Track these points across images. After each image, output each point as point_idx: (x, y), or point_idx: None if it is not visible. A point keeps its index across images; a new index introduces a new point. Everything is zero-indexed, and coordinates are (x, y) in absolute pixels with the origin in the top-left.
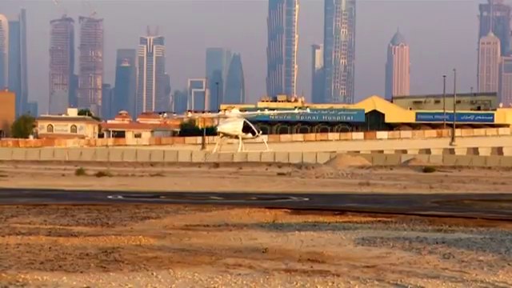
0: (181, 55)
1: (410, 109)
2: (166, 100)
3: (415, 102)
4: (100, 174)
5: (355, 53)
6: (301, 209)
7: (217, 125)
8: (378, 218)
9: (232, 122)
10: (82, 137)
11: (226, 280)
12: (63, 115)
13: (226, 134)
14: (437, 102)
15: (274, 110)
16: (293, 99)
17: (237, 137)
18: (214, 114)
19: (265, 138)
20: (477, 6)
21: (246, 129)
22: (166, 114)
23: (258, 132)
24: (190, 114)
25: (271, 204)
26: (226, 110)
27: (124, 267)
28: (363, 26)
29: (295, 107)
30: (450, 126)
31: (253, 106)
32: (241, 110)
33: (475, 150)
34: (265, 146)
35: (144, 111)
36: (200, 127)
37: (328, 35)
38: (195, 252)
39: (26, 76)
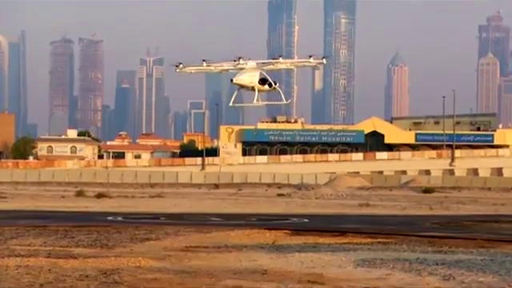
0: (180, 76)
1: (410, 129)
2: (165, 121)
3: (415, 123)
4: (100, 196)
5: (355, 74)
6: (301, 230)
7: (217, 144)
8: (378, 240)
9: (248, 72)
10: (82, 158)
11: None
12: (63, 136)
13: (241, 86)
14: (436, 122)
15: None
16: (292, 120)
17: (253, 88)
18: (229, 64)
19: (281, 90)
20: (476, 27)
21: (263, 81)
22: (181, 65)
23: (275, 84)
24: (204, 64)
25: (271, 225)
26: (240, 58)
27: None
28: (362, 47)
29: (310, 56)
30: (450, 146)
31: (252, 127)
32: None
33: (475, 171)
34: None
35: (144, 132)
36: (200, 148)
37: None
38: (195, 273)
39: (26, 97)
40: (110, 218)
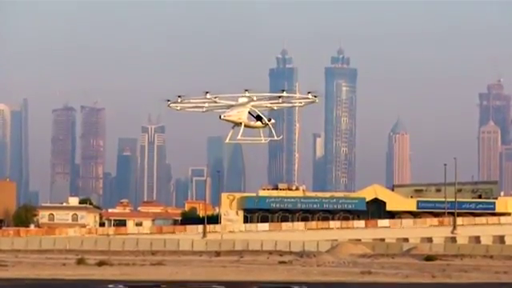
0: (182, 143)
1: (411, 197)
2: (167, 188)
3: (416, 191)
4: (101, 263)
5: (356, 141)
6: None
7: (218, 212)
8: None
9: (237, 109)
10: (83, 226)
11: None
12: (64, 204)
13: (232, 122)
14: (438, 190)
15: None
16: (294, 187)
17: (240, 124)
18: (201, 100)
19: (272, 128)
20: (476, 95)
21: (256, 117)
22: (180, 99)
23: (269, 120)
24: (179, 100)
25: None
26: (207, 92)
27: None
28: (363, 114)
29: (283, 90)
30: (452, 214)
31: (254, 195)
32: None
33: (477, 239)
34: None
35: (145, 200)
36: (201, 215)
37: (329, 124)
38: None
39: (28, 165)
40: (110, 285)
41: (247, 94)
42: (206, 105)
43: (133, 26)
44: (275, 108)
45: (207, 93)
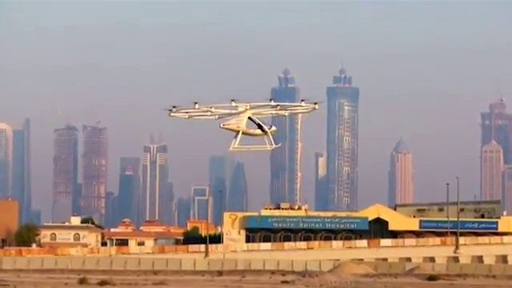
0: (184, 163)
1: (414, 216)
2: (169, 207)
3: (419, 210)
4: (103, 283)
5: (358, 160)
6: None
7: (220, 231)
8: None
9: (236, 117)
10: (85, 245)
11: None
12: (66, 223)
13: (234, 131)
14: (440, 209)
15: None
16: (296, 207)
17: (239, 132)
18: (195, 110)
19: (271, 135)
20: (478, 115)
21: (258, 125)
22: (174, 109)
23: (270, 128)
24: (174, 109)
25: None
26: (196, 103)
27: None
28: (366, 133)
29: (302, 100)
30: (454, 233)
31: (256, 214)
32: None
33: (480, 258)
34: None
35: (147, 219)
36: (203, 235)
37: (331, 143)
38: None
39: (30, 184)
40: None
41: (233, 104)
42: (209, 114)
43: (134, 45)
44: (286, 115)
45: (196, 103)
